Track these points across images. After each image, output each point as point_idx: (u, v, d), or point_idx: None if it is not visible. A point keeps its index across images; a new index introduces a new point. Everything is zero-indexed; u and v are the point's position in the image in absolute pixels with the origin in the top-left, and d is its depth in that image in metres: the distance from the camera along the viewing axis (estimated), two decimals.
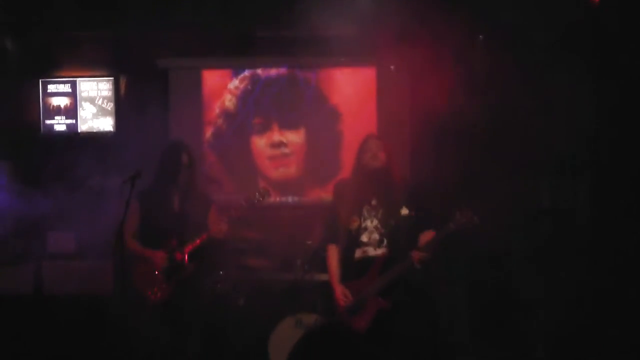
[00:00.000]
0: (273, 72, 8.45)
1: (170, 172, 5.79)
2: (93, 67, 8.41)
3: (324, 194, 8.22)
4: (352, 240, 5.25)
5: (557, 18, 6.65)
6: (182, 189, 5.82)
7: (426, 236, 5.10)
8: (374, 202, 5.25)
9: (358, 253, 5.23)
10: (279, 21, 7.87)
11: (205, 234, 5.75)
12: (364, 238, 5.23)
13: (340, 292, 5.23)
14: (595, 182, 6.30)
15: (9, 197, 7.67)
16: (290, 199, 8.40)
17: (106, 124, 8.31)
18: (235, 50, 8.31)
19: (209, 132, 8.48)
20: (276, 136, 8.47)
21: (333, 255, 5.38)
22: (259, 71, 8.45)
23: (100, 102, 8.32)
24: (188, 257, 5.71)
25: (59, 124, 8.35)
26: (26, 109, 8.32)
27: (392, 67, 8.23)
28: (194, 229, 5.78)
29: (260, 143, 8.49)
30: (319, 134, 8.44)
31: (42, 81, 8.34)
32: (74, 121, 8.34)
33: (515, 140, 7.05)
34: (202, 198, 5.97)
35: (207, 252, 6.01)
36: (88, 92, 8.34)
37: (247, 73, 8.46)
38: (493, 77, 6.65)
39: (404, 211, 5.16)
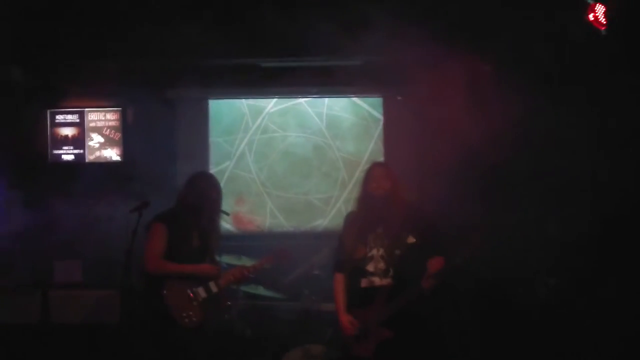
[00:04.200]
0: None
1: (196, 204, 5.70)
2: (101, 97, 8.44)
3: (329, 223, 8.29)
4: (358, 269, 5.24)
5: (564, 47, 6.68)
6: (204, 224, 5.75)
7: (436, 264, 5.08)
8: (379, 231, 5.25)
9: (364, 282, 5.22)
10: (285, 51, 7.90)
11: (247, 269, 5.83)
12: (370, 267, 5.21)
13: (346, 321, 5.22)
14: (601, 212, 6.30)
15: (16, 226, 7.68)
16: (296, 228, 8.41)
17: (113, 154, 8.33)
18: (241, 81, 8.35)
19: None
20: None
21: (339, 284, 5.37)
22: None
23: (107, 132, 8.35)
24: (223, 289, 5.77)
25: (67, 153, 8.37)
26: (34, 139, 8.32)
27: (399, 97, 8.27)
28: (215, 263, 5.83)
29: None
30: None
31: (50, 111, 8.38)
32: (81, 151, 8.36)
33: (522, 168, 7.06)
34: (219, 238, 5.94)
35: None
36: (96, 122, 8.37)
37: None
38: (500, 107, 6.67)
39: (410, 239, 5.15)
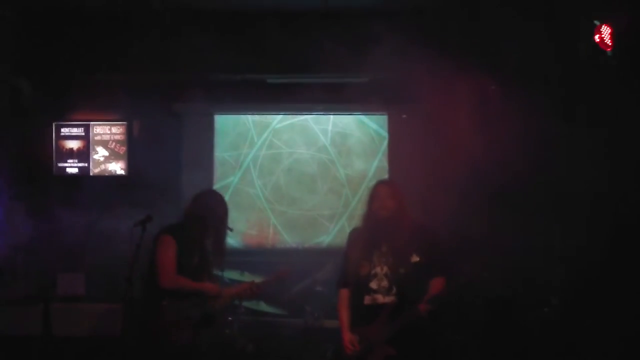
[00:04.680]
0: None
1: (202, 221, 5.69)
2: (106, 111, 8.45)
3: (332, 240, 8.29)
4: (362, 286, 5.22)
5: (571, 67, 6.70)
6: (208, 241, 5.74)
7: (435, 285, 5.09)
8: (384, 249, 5.22)
9: (367, 300, 5.19)
10: (291, 68, 7.93)
11: (257, 288, 5.78)
12: (374, 285, 5.19)
13: (348, 340, 5.20)
14: (609, 230, 6.29)
15: (19, 238, 7.68)
16: (299, 244, 8.39)
17: (118, 168, 8.34)
18: (247, 96, 8.36)
19: None
20: None
21: (343, 300, 5.35)
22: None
23: (112, 146, 8.36)
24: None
25: (72, 166, 8.38)
26: (39, 151, 8.33)
27: (404, 115, 8.27)
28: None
29: None
30: None
31: (55, 124, 8.39)
32: (86, 164, 8.37)
33: (528, 186, 7.05)
34: (224, 255, 5.92)
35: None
36: (101, 135, 8.38)
37: None
38: (505, 125, 6.68)
39: (414, 258, 5.14)
